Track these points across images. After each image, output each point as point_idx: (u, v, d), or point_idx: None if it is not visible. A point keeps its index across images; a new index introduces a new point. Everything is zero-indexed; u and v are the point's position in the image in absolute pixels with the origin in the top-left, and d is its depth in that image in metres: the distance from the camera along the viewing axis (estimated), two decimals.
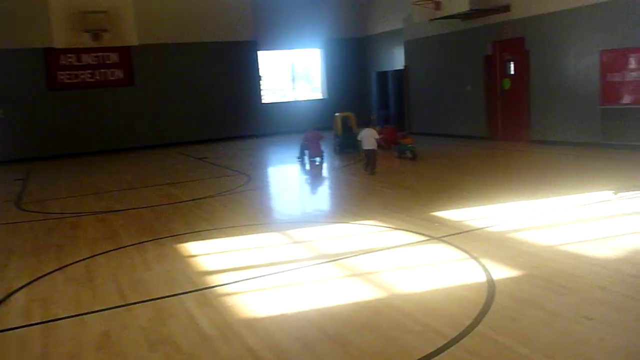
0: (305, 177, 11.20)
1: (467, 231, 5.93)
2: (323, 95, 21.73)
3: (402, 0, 16.56)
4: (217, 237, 6.42)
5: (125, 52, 18.37)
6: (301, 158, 12.38)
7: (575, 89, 11.72)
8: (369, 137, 9.98)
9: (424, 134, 15.64)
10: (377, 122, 14.09)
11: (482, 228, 6.02)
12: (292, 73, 21.23)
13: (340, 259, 5.27)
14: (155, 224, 7.29)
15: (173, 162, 14.42)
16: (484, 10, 13.23)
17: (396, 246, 5.57)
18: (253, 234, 6.49)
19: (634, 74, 10.52)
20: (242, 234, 6.47)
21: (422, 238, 5.77)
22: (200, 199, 8.85)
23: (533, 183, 8.33)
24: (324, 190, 9.65)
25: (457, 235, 5.76)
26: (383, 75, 19.00)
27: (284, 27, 20.37)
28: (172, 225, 7.22)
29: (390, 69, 18.94)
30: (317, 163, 12.03)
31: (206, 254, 5.82)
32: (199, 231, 6.75)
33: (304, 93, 21.64)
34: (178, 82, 19.02)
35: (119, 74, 18.62)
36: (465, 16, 13.96)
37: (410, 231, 6.04)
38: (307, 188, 10.10)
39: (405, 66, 17.13)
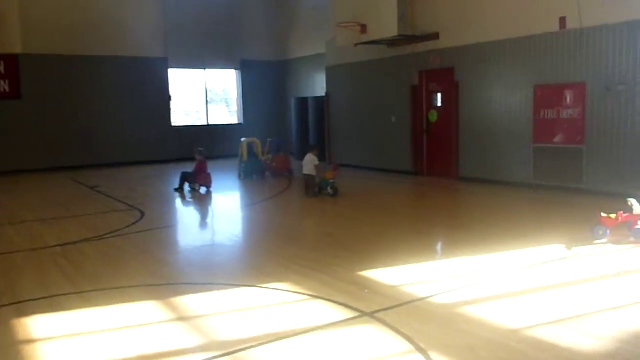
0: (207, 215, 9.65)
1: (405, 303, 4.63)
2: (239, 120, 20.25)
3: (325, 24, 15.53)
4: (74, 308, 4.74)
5: (12, 61, 16.10)
6: (180, 189, 11.27)
7: (507, 124, 10.98)
8: (307, 163, 10.36)
9: (345, 166, 14.48)
10: (270, 149, 13.94)
11: (423, 298, 4.74)
12: (206, 95, 19.61)
13: (237, 351, 3.79)
14: None
15: (58, 191, 12.36)
16: (412, 37, 12.36)
17: (315, 327, 4.16)
18: (127, 302, 4.86)
19: (569, 111, 9.88)
20: (110, 303, 4.83)
21: (349, 314, 4.41)
22: (73, 243, 7.07)
23: (472, 231, 7.26)
24: (229, 235, 8.11)
25: (393, 310, 4.46)
26: (303, 102, 17.83)
27: (198, 45, 18.83)
28: (20, 284, 5.45)
29: (311, 96, 17.81)
30: (202, 192, 11.21)
31: (49, 337, 4.16)
32: (54, 296, 5.04)
33: (220, 117, 20.06)
34: (74, 98, 16.91)
35: (3, 85, 16.28)
36: (391, 43, 13.06)
37: (333, 301, 4.67)
38: (208, 232, 8.52)
39: (327, 93, 16.03)
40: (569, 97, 9.85)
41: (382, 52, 13.60)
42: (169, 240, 7.69)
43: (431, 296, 4.78)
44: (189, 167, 11.84)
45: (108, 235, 7.50)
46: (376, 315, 4.34)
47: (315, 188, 10.27)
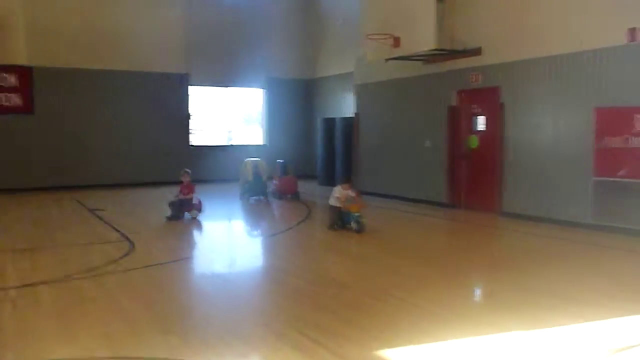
0: (204, 251, 8.33)
1: None
2: (263, 141, 19.07)
3: (355, 40, 14.26)
4: None
5: (25, 74, 15.31)
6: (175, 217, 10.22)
7: (561, 153, 9.43)
8: (333, 195, 9.08)
9: (372, 194, 13.05)
10: (277, 171, 13.63)
11: None
12: (229, 114, 18.51)
13: None
14: None
15: (53, 214, 11.28)
16: (451, 52, 10.97)
17: None
18: None
19: (639, 138, 8.30)
20: None
21: None
22: (32, 285, 5.84)
23: (530, 291, 5.73)
24: (218, 282, 6.69)
25: None
26: (330, 123, 16.54)
27: (221, 61, 17.78)
28: None
29: (339, 116, 16.52)
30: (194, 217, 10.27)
31: None
32: None
33: (244, 137, 18.91)
34: (88, 114, 16.00)
35: (15, 99, 15.47)
36: (427, 58, 11.70)
37: None
38: (191, 276, 7.13)
39: (356, 114, 14.71)
40: (639, 122, 8.28)
41: (416, 69, 12.23)
42: (145, 285, 6.33)
43: None
44: (173, 192, 10.55)
45: (79, 276, 6.23)
46: None
47: (338, 221, 8.92)
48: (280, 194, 13.18)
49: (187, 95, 17.56)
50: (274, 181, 13.59)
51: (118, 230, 9.07)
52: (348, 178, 9.39)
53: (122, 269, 6.57)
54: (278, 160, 14.36)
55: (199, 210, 10.46)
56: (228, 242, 8.62)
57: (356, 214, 8.77)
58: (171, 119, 17.20)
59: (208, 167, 17.62)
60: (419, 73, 12.25)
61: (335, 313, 4.94)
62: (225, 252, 7.77)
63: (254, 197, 12.86)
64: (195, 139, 17.89)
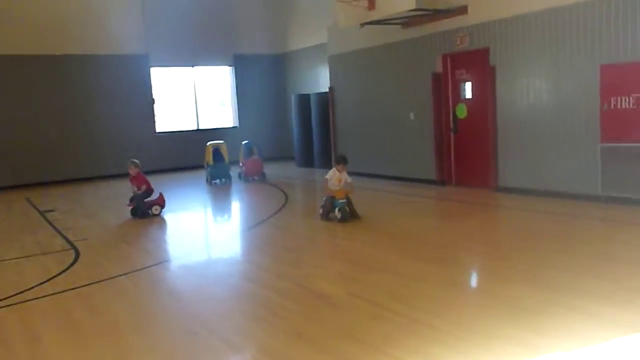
0: (159, 258, 7.19)
1: None
2: (234, 123, 17.81)
3: (327, 8, 13.00)
4: None
5: None
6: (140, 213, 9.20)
7: (562, 118, 8.40)
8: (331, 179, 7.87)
9: (354, 174, 11.92)
10: (243, 153, 13.29)
11: None
12: (195, 96, 17.21)
13: None
14: None
15: None
16: (434, 12, 9.81)
17: None
18: None
19: None
20: None
21: None
22: None
23: (550, 289, 4.71)
24: (173, 307, 5.66)
25: None
26: (305, 99, 15.35)
27: (183, 39, 16.40)
28: None
29: (314, 92, 15.33)
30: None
31: None
32: None
33: (213, 120, 17.62)
34: (40, 104, 14.59)
35: None
36: (406, 21, 10.55)
37: None
38: (150, 296, 6.05)
39: (330, 88, 13.53)
40: None
41: (395, 34, 11.07)
42: (83, 312, 5.17)
43: None
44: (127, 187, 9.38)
45: None
46: None
47: (327, 211, 7.81)
48: (246, 177, 13.11)
49: (149, 78, 16.22)
50: (240, 164, 13.30)
51: (64, 237, 7.88)
52: (343, 158, 8.09)
53: (56, 289, 5.41)
54: (243, 142, 13.69)
55: (162, 205, 9.32)
56: (193, 245, 7.44)
57: (340, 201, 7.67)
58: (133, 105, 15.87)
59: (176, 154, 16.44)
60: (398, 38, 11.08)
61: (315, 343, 3.86)
62: (188, 260, 6.58)
63: (215, 180, 12.96)
64: (161, 126, 16.59)
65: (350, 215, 7.62)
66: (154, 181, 12.42)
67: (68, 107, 14.95)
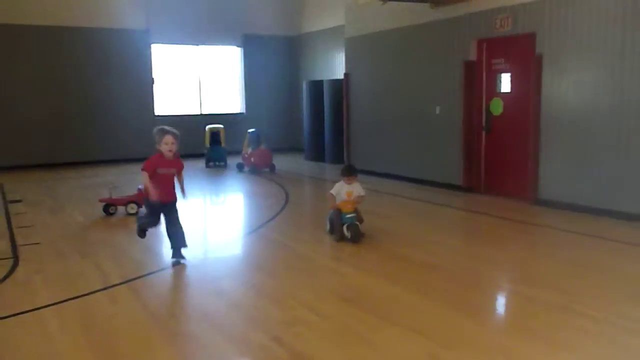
0: (120, 285, 5.77)
1: None
2: (241, 108, 16.38)
3: None
4: None
5: None
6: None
7: (623, 121, 6.83)
8: (339, 193, 6.31)
9: (368, 173, 10.50)
10: (250, 143, 12.29)
11: None
12: (199, 78, 15.78)
13: None
14: None
15: None
16: None
17: None
18: None
19: None
20: None
21: None
22: None
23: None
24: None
25: None
26: (318, 86, 13.85)
27: (188, 14, 14.96)
28: None
29: (328, 78, 13.83)
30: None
31: None
32: None
33: (217, 105, 16.19)
34: (24, 78, 13.29)
35: None
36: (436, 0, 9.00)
37: None
38: (81, 333, 4.62)
39: (346, 74, 12.00)
40: None
41: (422, 15, 9.52)
42: None
43: None
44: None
45: None
46: None
47: (339, 228, 6.13)
48: (254, 168, 11.96)
49: (150, 55, 14.84)
50: (245, 154, 12.26)
51: (13, 240, 6.52)
52: (351, 169, 6.44)
53: None
54: (249, 130, 12.49)
55: (140, 204, 7.90)
56: (155, 262, 5.89)
57: (349, 215, 6.17)
58: (131, 84, 14.51)
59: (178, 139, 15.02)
60: (426, 20, 9.53)
61: None
62: (141, 286, 5.09)
63: (212, 163, 13.04)
64: (160, 108, 15.21)
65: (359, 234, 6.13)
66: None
67: (57, 83, 13.65)
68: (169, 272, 5.36)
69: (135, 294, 4.71)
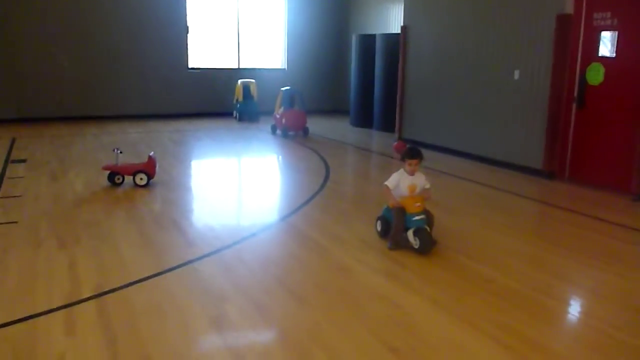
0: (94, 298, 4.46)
1: None
2: (283, 64, 14.87)
3: None
4: None
5: None
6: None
7: None
8: (396, 186, 4.68)
9: (425, 146, 8.85)
10: (283, 102, 11.08)
11: None
12: (238, 29, 14.29)
13: None
14: None
15: None
16: None
17: None
18: None
19: None
20: None
21: None
22: None
23: None
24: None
25: None
26: (369, 41, 12.15)
27: None
28: None
29: (382, 32, 12.13)
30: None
31: None
32: None
33: (256, 59, 14.72)
34: (52, 26, 12.15)
35: None
36: None
37: None
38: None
39: (403, 27, 10.28)
40: None
41: None
42: None
43: None
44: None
45: None
46: None
47: (399, 233, 4.57)
48: (285, 130, 10.86)
49: (185, 2, 13.43)
50: (276, 114, 11.12)
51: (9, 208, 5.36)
52: (415, 152, 4.70)
53: None
54: (282, 88, 11.30)
55: (150, 174, 6.65)
56: (150, 262, 4.60)
57: (417, 218, 4.54)
58: (163, 33, 13.22)
59: (210, 95, 13.80)
60: None
61: None
62: (120, 298, 3.74)
63: (245, 116, 12.89)
64: (194, 60, 13.86)
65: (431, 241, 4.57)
66: (182, 126, 10.18)
67: (84, 33, 12.50)
68: (158, 282, 4.00)
69: (100, 320, 3.35)
